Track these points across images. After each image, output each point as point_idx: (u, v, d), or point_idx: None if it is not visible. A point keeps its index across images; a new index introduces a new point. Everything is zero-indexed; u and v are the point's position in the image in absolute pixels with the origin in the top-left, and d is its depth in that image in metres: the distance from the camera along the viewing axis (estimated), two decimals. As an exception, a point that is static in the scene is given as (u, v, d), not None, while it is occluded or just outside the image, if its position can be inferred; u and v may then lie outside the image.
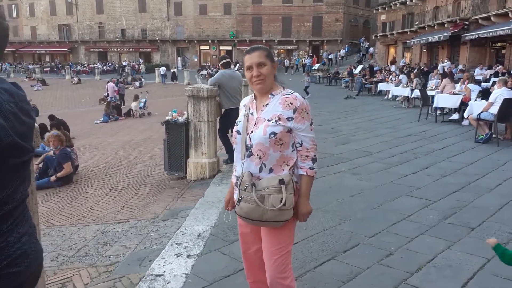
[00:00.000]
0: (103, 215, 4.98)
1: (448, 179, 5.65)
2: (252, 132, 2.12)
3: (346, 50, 42.74)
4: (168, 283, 3.02)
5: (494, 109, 7.91)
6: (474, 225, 4.00)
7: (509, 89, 8.22)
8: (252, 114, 2.19)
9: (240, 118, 2.25)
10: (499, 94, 8.03)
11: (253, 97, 2.26)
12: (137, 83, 33.39)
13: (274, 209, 2.01)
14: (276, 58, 46.72)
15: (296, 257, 3.33)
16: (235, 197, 2.18)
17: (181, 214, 4.58)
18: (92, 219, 4.85)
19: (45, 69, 49.66)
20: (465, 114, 9.45)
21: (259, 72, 2.12)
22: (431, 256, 3.36)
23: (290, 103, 2.10)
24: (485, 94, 9.41)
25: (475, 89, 10.78)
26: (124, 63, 47.95)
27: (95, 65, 46.80)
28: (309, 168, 2.12)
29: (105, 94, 23.66)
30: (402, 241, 3.67)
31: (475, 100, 9.53)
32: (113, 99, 20.74)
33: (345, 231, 3.93)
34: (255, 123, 2.14)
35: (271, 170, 2.10)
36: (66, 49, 55.23)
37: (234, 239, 3.67)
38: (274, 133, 2.06)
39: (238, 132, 2.20)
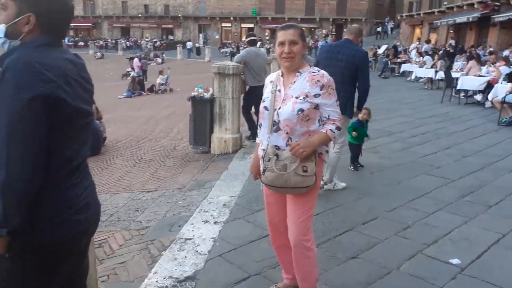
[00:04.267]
0: (132, 184, 5.25)
1: (468, 160, 5.70)
2: (279, 108, 2.21)
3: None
4: (197, 245, 3.25)
5: (520, 92, 7.81)
6: (492, 203, 4.09)
7: (538, 72, 8.06)
8: (279, 91, 2.26)
9: (267, 94, 2.32)
10: (526, 76, 7.90)
11: (280, 74, 2.34)
12: (159, 59, 33.65)
13: (296, 174, 2.14)
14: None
15: (317, 227, 3.50)
16: (261, 168, 2.30)
17: (207, 185, 4.80)
18: (122, 188, 5.13)
19: (69, 43, 50.39)
20: (489, 97, 9.32)
21: (290, 50, 2.19)
22: (447, 230, 3.49)
23: (318, 80, 2.20)
24: (511, 77, 9.23)
25: (505, 71, 10.56)
26: (147, 39, 48.23)
27: (119, 41, 47.22)
28: (330, 129, 2.23)
29: (128, 70, 24.00)
30: (419, 215, 3.80)
31: (501, 82, 9.37)
32: (136, 74, 21.04)
33: (364, 205, 4.08)
34: (282, 100, 2.22)
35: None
36: (90, 24, 55.72)
37: (258, 209, 3.87)
38: (301, 110, 2.15)
39: (265, 108, 2.28)
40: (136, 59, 23.90)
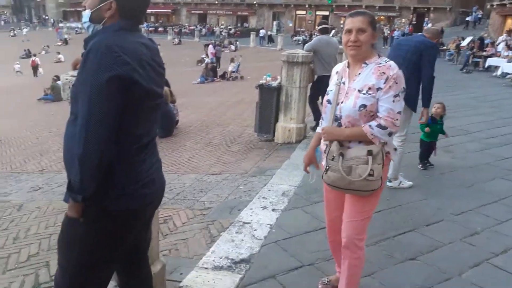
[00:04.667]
0: (199, 166, 5.50)
1: (555, 167, 5.19)
2: (342, 102, 2.11)
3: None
4: (254, 230, 3.35)
5: None
6: None
7: None
8: (344, 83, 2.16)
9: (331, 87, 2.23)
10: None
11: (346, 65, 2.21)
12: (233, 47, 34.31)
13: (361, 179, 2.03)
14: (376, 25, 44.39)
15: (377, 225, 3.41)
16: (323, 163, 2.24)
17: (268, 173, 4.88)
18: (189, 169, 5.39)
19: (150, 29, 53.03)
20: None
21: (357, 38, 2.06)
22: (520, 240, 3.25)
23: (383, 72, 2.04)
24: None
25: None
26: (221, 27, 49.34)
27: (195, 28, 48.81)
28: (369, 125, 2.03)
29: (203, 56, 24.80)
30: (490, 222, 3.56)
31: None
32: (210, 61, 21.70)
33: (430, 206, 3.91)
34: (346, 93, 2.12)
35: (360, 142, 2.10)
36: (170, 10, 58.11)
37: (317, 201, 3.87)
38: (364, 105, 2.03)
39: (328, 101, 2.20)
40: (210, 46, 24.61)
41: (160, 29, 52.75)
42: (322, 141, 2.31)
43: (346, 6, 45.08)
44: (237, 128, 7.79)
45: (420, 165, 5.03)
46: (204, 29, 50.34)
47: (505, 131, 7.09)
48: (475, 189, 4.39)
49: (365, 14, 2.12)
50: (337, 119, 2.14)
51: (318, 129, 2.35)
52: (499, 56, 17.50)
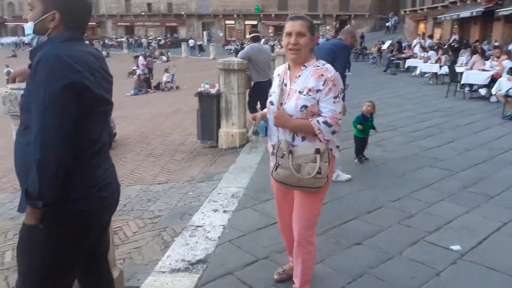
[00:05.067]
0: (143, 177, 5.41)
1: (472, 153, 5.80)
2: (284, 103, 2.21)
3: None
4: (208, 232, 3.40)
5: (524, 86, 7.88)
6: (493, 194, 4.20)
7: (540, 66, 8.13)
8: (285, 85, 2.25)
9: (274, 88, 2.31)
10: (529, 70, 7.97)
11: (287, 67, 2.30)
12: (164, 57, 33.84)
13: (310, 176, 2.13)
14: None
15: (323, 215, 3.56)
16: (272, 164, 2.32)
17: (216, 177, 4.94)
18: (134, 180, 5.28)
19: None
20: (493, 91, 9.40)
21: (297, 41, 2.15)
22: (449, 219, 3.61)
23: (321, 74, 2.15)
24: (515, 71, 9.30)
25: (508, 65, 10.62)
26: (149, 39, 48.49)
27: (123, 39, 47.46)
28: (317, 120, 2.13)
29: (134, 68, 24.20)
30: (422, 205, 3.92)
31: (505, 77, 9.43)
32: (141, 72, 21.23)
33: (369, 196, 4.20)
34: (287, 95, 2.22)
35: (303, 139, 2.21)
36: (94, 23, 55.97)
37: (265, 199, 4.01)
38: (305, 106, 2.13)
39: (271, 103, 2.27)
40: (141, 57, 24.10)
41: (86, 42, 50.56)
42: (269, 143, 2.40)
43: (273, 15, 46.55)
44: (179, 137, 7.75)
45: (356, 160, 5.38)
46: (131, 40, 49.09)
47: (427, 124, 7.77)
48: (407, 177, 4.79)
49: (304, 18, 2.23)
50: None
51: (265, 110, 2.40)
52: (416, 57, 19.02)
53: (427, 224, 3.51)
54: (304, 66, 2.23)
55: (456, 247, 3.09)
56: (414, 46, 23.07)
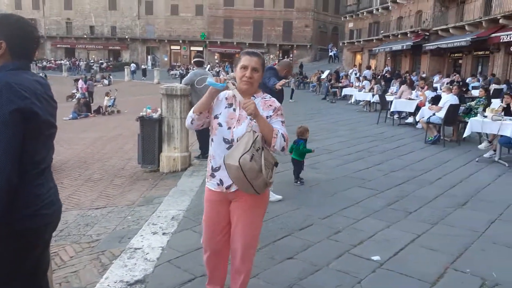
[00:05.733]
0: (81, 202, 5.33)
1: (396, 174, 6.35)
2: (234, 127, 2.34)
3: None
4: (146, 254, 3.47)
5: (442, 113, 8.74)
6: (412, 210, 4.66)
7: (455, 96, 9.09)
8: (234, 110, 2.39)
9: (220, 110, 2.41)
10: (447, 100, 8.88)
11: (234, 95, 2.40)
12: (106, 81, 33.16)
13: (267, 180, 2.26)
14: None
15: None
16: (210, 184, 2.46)
17: (156, 201, 5.01)
18: (71, 206, 5.19)
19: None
20: (417, 118, 10.30)
21: (252, 75, 2.36)
22: (372, 233, 3.97)
23: (270, 104, 2.41)
24: (436, 100, 10.25)
25: (430, 95, 11.69)
26: (90, 62, 47.36)
27: (62, 62, 45.89)
28: (278, 130, 2.31)
29: (73, 91, 23.51)
30: (349, 221, 4.27)
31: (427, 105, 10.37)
32: (81, 96, 20.69)
33: (301, 214, 4.49)
34: (237, 120, 2.36)
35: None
36: (31, 44, 53.63)
37: (205, 220, 4.15)
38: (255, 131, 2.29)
39: (219, 124, 2.38)
40: (81, 81, 23.49)
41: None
42: (209, 164, 2.48)
43: (218, 42, 47.47)
44: (119, 161, 7.69)
45: (298, 182, 5.66)
46: (69, 63, 47.50)
47: (359, 148, 8.36)
48: (337, 196, 5.16)
49: (259, 56, 2.44)
50: (227, 142, 2.36)
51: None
52: (351, 86, 20.25)
53: (352, 238, 3.83)
54: (254, 97, 2.42)
55: (376, 258, 3.42)
56: (351, 74, 24.57)
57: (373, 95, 15.57)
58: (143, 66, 40.72)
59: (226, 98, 2.46)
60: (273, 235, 3.87)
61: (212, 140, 2.46)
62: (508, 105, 7.54)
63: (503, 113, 7.35)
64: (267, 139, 2.31)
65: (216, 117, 2.43)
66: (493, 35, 20.09)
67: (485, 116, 7.40)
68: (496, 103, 8.78)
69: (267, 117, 2.36)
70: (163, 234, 3.91)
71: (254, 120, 2.29)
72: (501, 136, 6.94)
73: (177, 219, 4.32)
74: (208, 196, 2.53)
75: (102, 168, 7.28)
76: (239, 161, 2.21)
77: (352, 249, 3.61)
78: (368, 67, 28.31)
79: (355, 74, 24.63)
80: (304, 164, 5.80)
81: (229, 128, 2.37)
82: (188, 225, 4.14)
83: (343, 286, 2.99)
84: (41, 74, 39.39)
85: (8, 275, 1.68)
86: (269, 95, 2.53)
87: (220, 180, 2.41)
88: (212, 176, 2.45)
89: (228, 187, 2.41)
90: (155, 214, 4.46)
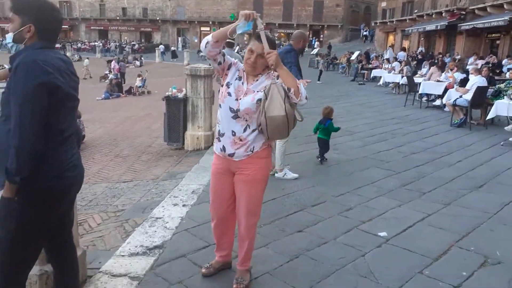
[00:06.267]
0: (109, 176, 5.69)
1: (416, 156, 6.36)
2: (240, 99, 2.49)
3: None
4: (166, 223, 3.74)
5: (469, 96, 8.57)
6: (426, 191, 4.72)
7: (484, 78, 8.87)
8: (242, 84, 2.53)
9: (232, 80, 2.54)
10: (474, 82, 8.69)
11: (244, 69, 2.56)
12: (138, 62, 33.84)
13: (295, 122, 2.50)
14: (277, 42, 45.93)
15: (272, 208, 4.04)
16: (214, 148, 2.69)
17: (179, 176, 5.29)
18: (100, 179, 5.56)
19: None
20: (444, 100, 10.11)
21: (256, 61, 2.48)
22: (382, 211, 4.09)
23: (273, 76, 2.49)
24: (465, 82, 10.01)
25: (459, 77, 11.40)
26: (121, 43, 48.31)
27: (96, 43, 47.06)
28: (300, 84, 2.44)
29: (106, 72, 24.21)
30: (362, 200, 4.39)
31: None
32: (114, 76, 21.30)
33: (316, 191, 4.64)
34: (244, 93, 2.50)
35: (253, 131, 2.51)
36: (67, 26, 55.18)
37: (222, 195, 4.37)
38: (260, 99, 2.44)
39: (229, 94, 2.52)
40: (114, 62, 24.12)
41: (57, 45, 49.78)
42: (217, 127, 2.66)
43: (248, 23, 47.06)
44: (147, 139, 8.04)
45: (322, 161, 5.82)
46: (107, 45, 48.63)
47: (382, 130, 8.35)
48: (353, 176, 5.27)
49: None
50: (233, 111, 2.50)
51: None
52: (381, 68, 19.88)
53: (362, 215, 3.96)
54: (261, 74, 2.57)
55: (383, 234, 3.55)
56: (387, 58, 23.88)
57: (402, 77, 15.28)
58: (172, 48, 41.19)
59: (238, 70, 2.59)
60: (286, 210, 4.05)
61: (220, 106, 2.60)
62: (538, 87, 7.32)
63: (532, 96, 7.16)
64: (292, 87, 2.41)
65: (228, 85, 2.56)
66: (534, 14, 19.12)
67: (512, 99, 7.23)
68: (527, 85, 8.51)
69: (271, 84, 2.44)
70: (183, 206, 4.17)
71: (260, 91, 2.44)
72: (528, 119, 6.79)
73: (197, 192, 4.57)
74: (214, 167, 2.75)
75: (130, 145, 7.65)
76: (285, 110, 2.39)
77: (360, 225, 3.75)
78: (403, 49, 27.52)
79: (391, 55, 24.01)
80: (329, 145, 5.92)
81: (237, 99, 2.51)
82: (207, 198, 4.30)
83: (347, 258, 3.15)
84: (75, 55, 40.43)
85: (36, 230, 1.94)
86: (276, 73, 2.54)
87: (223, 146, 2.58)
88: (218, 140, 2.63)
89: (230, 155, 2.57)
90: (177, 188, 4.73)
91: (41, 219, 1.94)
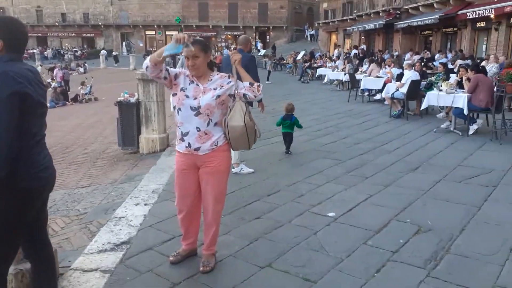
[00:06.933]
0: (66, 182, 5.71)
1: (359, 146, 6.90)
2: (199, 97, 2.77)
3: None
4: (130, 221, 3.92)
5: (405, 89, 9.32)
6: (368, 175, 5.22)
7: (417, 72, 9.68)
8: (197, 85, 2.81)
9: (186, 85, 2.81)
10: (408, 76, 9.46)
11: (192, 75, 2.85)
12: (81, 69, 32.81)
13: (256, 136, 2.93)
14: (224, 44, 46.09)
15: (231, 200, 4.32)
16: (179, 147, 2.90)
17: (137, 178, 5.43)
18: (57, 186, 5.53)
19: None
20: (383, 94, 10.89)
21: (194, 63, 2.76)
22: (330, 195, 4.51)
23: (224, 76, 2.91)
24: (401, 77, 10.81)
25: (396, 72, 12.27)
26: (61, 49, 46.53)
27: (35, 51, 44.89)
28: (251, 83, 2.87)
29: (49, 80, 23.30)
30: (312, 187, 4.79)
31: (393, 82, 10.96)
32: (58, 85, 20.60)
33: (271, 182, 4.99)
34: (203, 92, 2.79)
35: (215, 124, 2.81)
36: (1, 34, 52.15)
37: (182, 191, 4.60)
38: (218, 96, 2.78)
39: (187, 96, 2.78)
40: (57, 69, 23.30)
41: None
42: (178, 128, 2.92)
43: (194, 26, 47.05)
44: (100, 145, 8.03)
45: (288, 152, 6.33)
46: (46, 53, 46.54)
47: (328, 124, 8.89)
48: (304, 167, 5.68)
49: (196, 42, 2.75)
50: (194, 109, 2.77)
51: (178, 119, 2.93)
52: (325, 67, 20.75)
53: (313, 200, 4.35)
54: (211, 75, 2.89)
55: (331, 214, 3.96)
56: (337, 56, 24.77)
57: (345, 74, 16.09)
58: (114, 53, 40.21)
59: (187, 76, 2.87)
60: (244, 201, 4.36)
61: (179, 109, 2.83)
62: (461, 78, 8.15)
63: (457, 87, 7.97)
64: (250, 81, 2.89)
65: (182, 90, 2.83)
66: (460, 12, 20.78)
67: (441, 90, 8.00)
68: (454, 77, 9.40)
69: (227, 83, 2.86)
70: (145, 204, 4.35)
71: (217, 88, 2.81)
72: (455, 108, 7.56)
73: (157, 192, 4.75)
74: (178, 165, 2.98)
75: (84, 152, 7.62)
76: (244, 121, 2.80)
77: (311, 208, 4.13)
78: (355, 47, 28.45)
79: (341, 54, 25.01)
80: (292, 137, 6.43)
81: (195, 98, 2.79)
82: (168, 196, 4.58)
83: (301, 237, 3.50)
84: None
85: (13, 227, 2.11)
86: (223, 74, 2.97)
87: (189, 143, 2.84)
88: (182, 140, 2.88)
89: (196, 149, 2.84)
90: (137, 189, 4.88)
91: (16, 216, 2.10)
